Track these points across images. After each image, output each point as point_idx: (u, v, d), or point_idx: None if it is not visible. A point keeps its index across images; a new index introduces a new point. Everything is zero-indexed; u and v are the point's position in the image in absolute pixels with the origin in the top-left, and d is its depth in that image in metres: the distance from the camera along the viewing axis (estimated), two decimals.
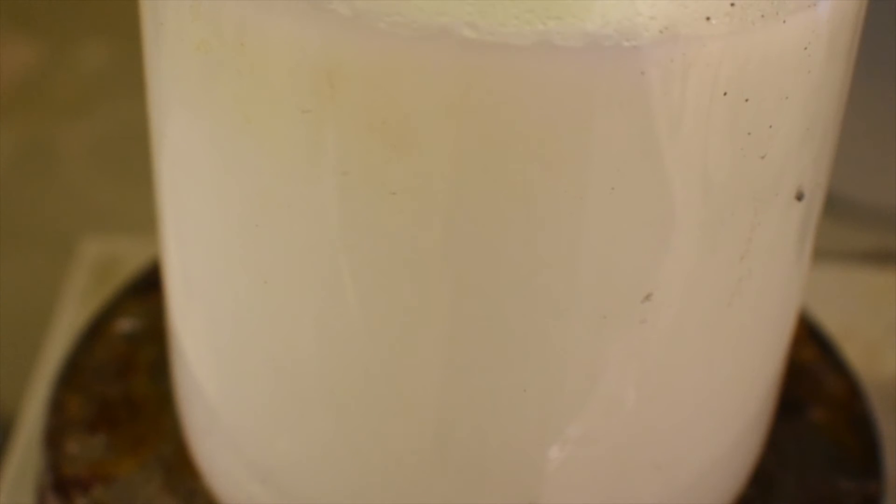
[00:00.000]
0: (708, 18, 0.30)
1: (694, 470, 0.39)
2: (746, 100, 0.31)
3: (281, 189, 0.33)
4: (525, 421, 0.35)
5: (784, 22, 0.31)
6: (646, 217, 0.32)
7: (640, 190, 0.32)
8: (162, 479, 0.42)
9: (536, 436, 0.36)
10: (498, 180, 0.31)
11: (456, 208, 0.32)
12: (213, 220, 0.35)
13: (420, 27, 0.29)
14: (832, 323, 0.51)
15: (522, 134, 0.30)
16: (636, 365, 0.35)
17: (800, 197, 0.35)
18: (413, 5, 0.29)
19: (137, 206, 0.58)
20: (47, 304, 0.58)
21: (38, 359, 0.52)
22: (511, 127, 0.30)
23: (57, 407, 0.45)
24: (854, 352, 0.51)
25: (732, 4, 0.30)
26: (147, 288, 0.49)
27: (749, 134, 0.32)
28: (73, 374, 0.46)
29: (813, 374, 0.48)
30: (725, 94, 0.31)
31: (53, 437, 0.44)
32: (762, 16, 0.30)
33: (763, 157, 0.33)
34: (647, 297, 0.33)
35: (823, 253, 0.45)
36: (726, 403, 0.38)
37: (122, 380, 0.46)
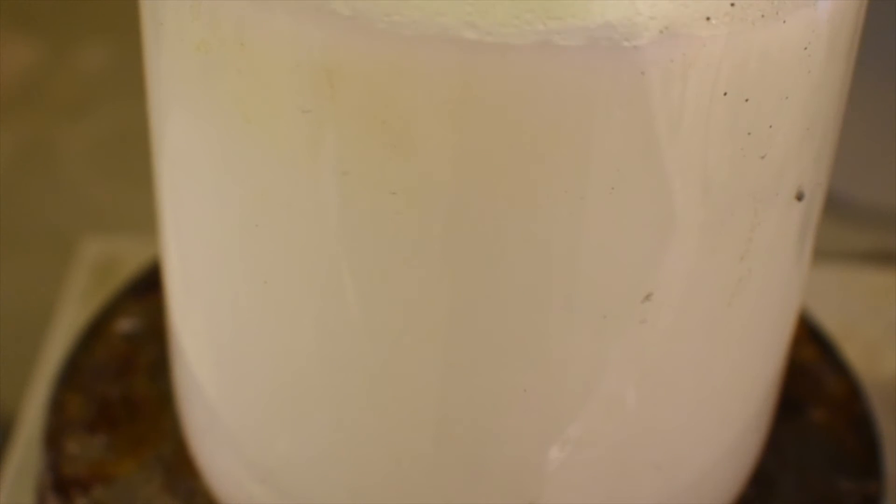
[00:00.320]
0: (708, 18, 0.30)
1: (694, 470, 0.39)
2: (746, 100, 0.31)
3: (281, 189, 0.33)
4: (525, 421, 0.35)
5: (784, 22, 0.31)
6: (646, 217, 0.32)
7: (640, 190, 0.32)
8: (162, 479, 0.42)
9: (536, 436, 0.36)
10: (498, 180, 0.31)
11: (456, 208, 0.32)
12: (213, 220, 0.35)
13: (420, 27, 0.29)
14: (832, 323, 0.51)
15: (522, 134, 0.30)
16: (636, 365, 0.35)
17: (800, 197, 0.35)
18: (413, 5, 0.29)
19: (137, 206, 0.58)
20: (47, 304, 0.58)
21: (38, 359, 0.52)
22: (511, 127, 0.30)
23: (57, 407, 0.45)
24: (854, 352, 0.51)
25: (732, 4, 0.30)
26: (147, 288, 0.49)
27: (749, 134, 0.32)
28: (73, 374, 0.46)
29: (813, 374, 0.48)
30: (725, 94, 0.31)
31: (53, 437, 0.44)
32: (762, 16, 0.30)
33: (763, 157, 0.33)
34: (648, 297, 0.33)
35: (823, 253, 0.45)
36: (726, 403, 0.38)
37: (122, 380, 0.46)
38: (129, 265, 0.55)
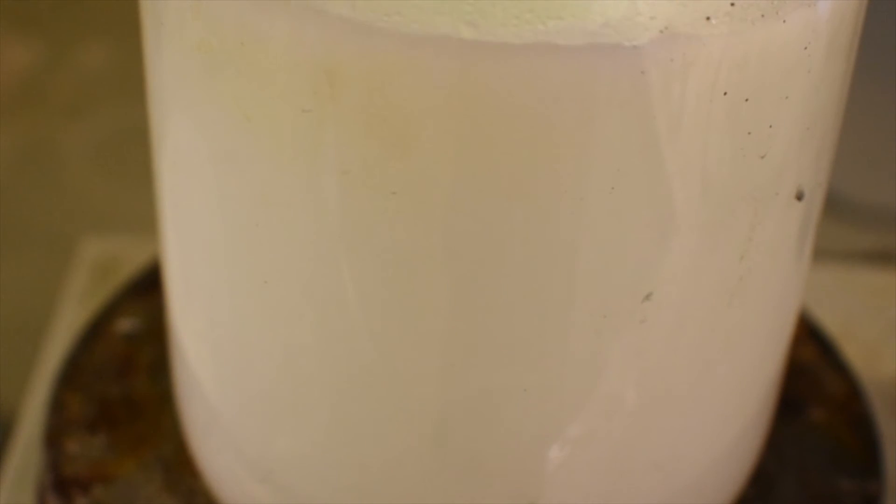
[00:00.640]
0: (708, 18, 0.30)
1: (694, 470, 0.39)
2: (746, 99, 0.31)
3: (281, 189, 0.33)
4: (525, 421, 0.35)
5: (784, 22, 0.31)
6: (646, 217, 0.32)
7: (640, 190, 0.32)
8: (162, 479, 0.42)
9: (536, 436, 0.36)
10: (498, 180, 0.31)
11: (456, 208, 0.32)
12: (213, 220, 0.35)
13: (420, 27, 0.29)
14: (832, 323, 0.51)
15: (522, 134, 0.30)
16: (636, 365, 0.35)
17: (800, 197, 0.35)
18: (413, 5, 0.29)
19: (137, 206, 0.58)
20: (47, 304, 0.58)
21: (38, 359, 0.52)
22: (511, 127, 0.30)
23: (57, 407, 0.45)
24: (854, 352, 0.51)
25: (732, 4, 0.30)
26: (147, 288, 0.49)
27: (749, 134, 0.32)
28: (73, 374, 0.46)
29: (813, 374, 0.48)
30: (725, 93, 0.31)
31: (53, 436, 0.44)
32: (762, 15, 0.30)
33: (763, 157, 0.33)
34: (648, 297, 0.33)
35: (823, 253, 0.45)
36: (726, 403, 0.38)
37: (122, 380, 0.46)
38: (129, 265, 0.55)
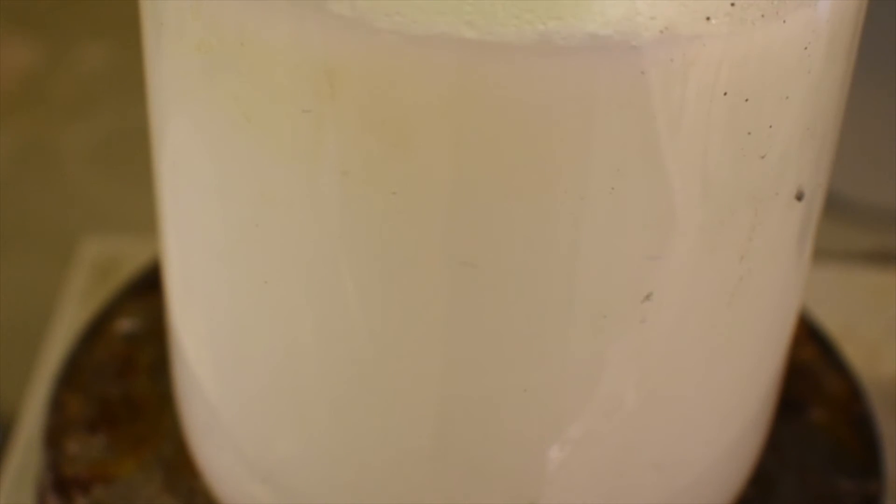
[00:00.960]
0: (708, 18, 0.30)
1: (694, 470, 0.39)
2: (746, 100, 0.31)
3: (281, 189, 0.33)
4: (525, 421, 0.35)
5: (784, 22, 0.31)
6: (646, 217, 0.32)
7: (640, 190, 0.32)
8: (162, 479, 0.42)
9: (536, 436, 0.36)
10: (498, 180, 0.31)
11: (456, 208, 0.32)
12: (213, 220, 0.35)
13: (420, 27, 0.29)
14: (832, 323, 0.51)
15: (522, 134, 0.30)
16: (636, 365, 0.35)
17: (800, 197, 0.35)
18: (413, 5, 0.29)
19: (137, 206, 0.58)
20: (47, 304, 0.58)
21: (38, 359, 0.52)
22: (511, 127, 0.30)
23: (57, 407, 0.45)
24: (854, 352, 0.51)
25: (732, 4, 0.30)
26: (147, 288, 0.49)
27: (749, 134, 0.32)
28: (73, 374, 0.46)
29: (813, 374, 0.48)
30: (725, 94, 0.31)
31: (53, 437, 0.44)
32: (762, 16, 0.30)
33: (763, 157, 0.33)
34: (648, 297, 0.33)
35: (823, 253, 0.45)
36: (726, 403, 0.38)
37: (122, 380, 0.46)
38: (129, 265, 0.55)
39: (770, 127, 0.32)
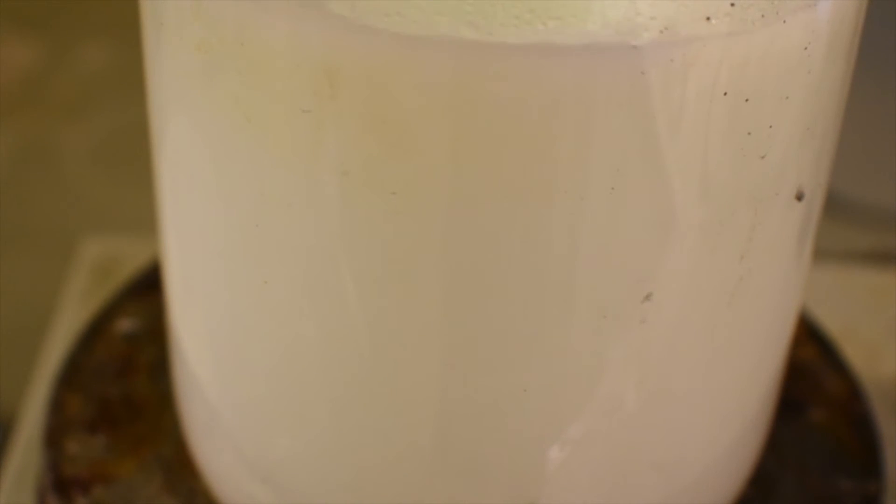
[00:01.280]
0: (708, 18, 0.30)
1: (694, 470, 0.39)
2: (746, 100, 0.31)
3: (281, 189, 0.33)
4: (525, 421, 0.35)
5: (784, 22, 0.31)
6: (646, 217, 0.32)
7: (640, 190, 0.32)
8: (162, 479, 0.42)
9: (536, 436, 0.36)
10: (497, 180, 0.31)
11: (455, 208, 0.32)
12: (213, 220, 0.35)
13: (420, 27, 0.29)
14: (832, 323, 0.51)
15: (522, 134, 0.30)
16: (636, 365, 0.35)
17: (800, 197, 0.35)
18: (413, 5, 0.29)
19: (137, 206, 0.58)
20: (47, 304, 0.58)
21: (38, 359, 0.52)
22: (511, 127, 0.30)
23: (57, 407, 0.45)
24: (854, 352, 0.51)
25: (732, 4, 0.30)
26: (147, 288, 0.49)
27: (749, 134, 0.32)
28: (73, 374, 0.46)
29: (813, 374, 0.48)
30: (725, 94, 0.31)
31: (53, 437, 0.44)
32: (762, 16, 0.30)
33: (763, 157, 0.33)
34: (648, 297, 0.33)
35: (823, 253, 0.45)
36: (726, 403, 0.38)
37: (122, 380, 0.46)
38: (129, 265, 0.55)
39: (770, 127, 0.32)
